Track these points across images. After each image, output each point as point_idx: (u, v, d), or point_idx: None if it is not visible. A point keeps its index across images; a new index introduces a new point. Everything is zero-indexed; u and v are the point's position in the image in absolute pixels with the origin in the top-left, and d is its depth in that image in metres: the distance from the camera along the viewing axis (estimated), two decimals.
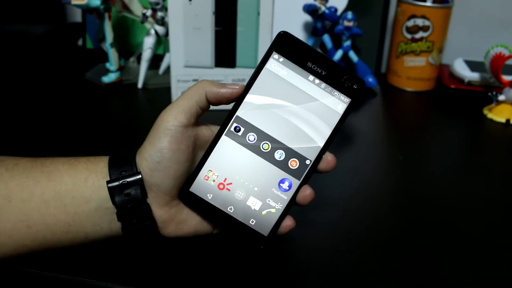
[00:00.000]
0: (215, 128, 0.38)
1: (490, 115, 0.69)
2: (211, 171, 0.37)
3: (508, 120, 0.67)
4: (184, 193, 0.37)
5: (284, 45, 0.37)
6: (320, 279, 0.38)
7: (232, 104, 0.37)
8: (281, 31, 0.37)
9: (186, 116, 0.35)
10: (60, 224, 0.35)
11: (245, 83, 0.37)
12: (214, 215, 0.37)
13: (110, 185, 0.35)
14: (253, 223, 0.37)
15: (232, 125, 0.37)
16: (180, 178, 0.36)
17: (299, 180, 0.37)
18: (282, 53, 0.37)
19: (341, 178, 0.52)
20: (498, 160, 0.60)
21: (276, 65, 0.37)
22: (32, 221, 0.34)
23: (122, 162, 0.36)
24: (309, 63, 0.37)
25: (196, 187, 0.37)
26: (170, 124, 0.35)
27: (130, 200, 0.35)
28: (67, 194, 0.35)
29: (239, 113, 0.37)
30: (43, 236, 0.35)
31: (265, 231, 0.37)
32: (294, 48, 0.37)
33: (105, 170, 0.36)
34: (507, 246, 0.43)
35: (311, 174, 0.37)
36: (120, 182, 0.35)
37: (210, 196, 0.37)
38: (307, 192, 0.37)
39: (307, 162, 0.37)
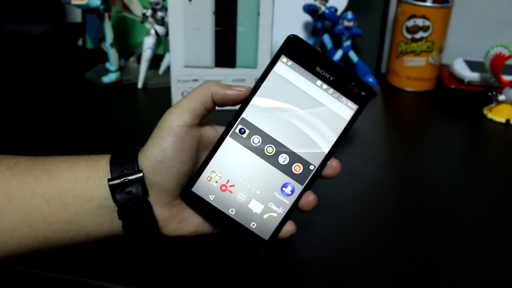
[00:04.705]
0: (220, 129, 0.38)
1: (490, 115, 0.69)
2: (214, 172, 0.37)
3: (508, 120, 0.67)
4: (186, 193, 0.37)
5: (293, 48, 0.36)
6: (320, 279, 0.38)
7: (238, 106, 0.37)
8: (291, 35, 0.36)
9: (190, 116, 0.35)
10: (61, 223, 0.35)
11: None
12: (215, 216, 0.37)
13: (111, 183, 0.35)
14: (254, 227, 0.37)
15: (237, 127, 0.37)
16: (183, 178, 0.36)
17: (302, 185, 0.37)
18: (290, 57, 0.36)
19: (340, 178, 0.51)
20: (498, 160, 0.60)
21: (284, 69, 0.36)
22: (33, 220, 0.34)
23: (124, 160, 0.36)
24: (317, 67, 0.36)
25: (199, 188, 0.37)
26: (174, 124, 0.35)
27: (131, 198, 0.35)
28: (68, 193, 0.35)
29: (245, 115, 0.37)
30: (44, 235, 0.35)
31: (266, 235, 0.37)
32: (303, 52, 0.36)
33: (106, 168, 0.36)
34: (507, 246, 0.43)
35: (314, 179, 0.37)
36: (122, 180, 0.35)
37: (212, 197, 0.37)
38: (310, 198, 0.37)
39: (311, 167, 0.37)
